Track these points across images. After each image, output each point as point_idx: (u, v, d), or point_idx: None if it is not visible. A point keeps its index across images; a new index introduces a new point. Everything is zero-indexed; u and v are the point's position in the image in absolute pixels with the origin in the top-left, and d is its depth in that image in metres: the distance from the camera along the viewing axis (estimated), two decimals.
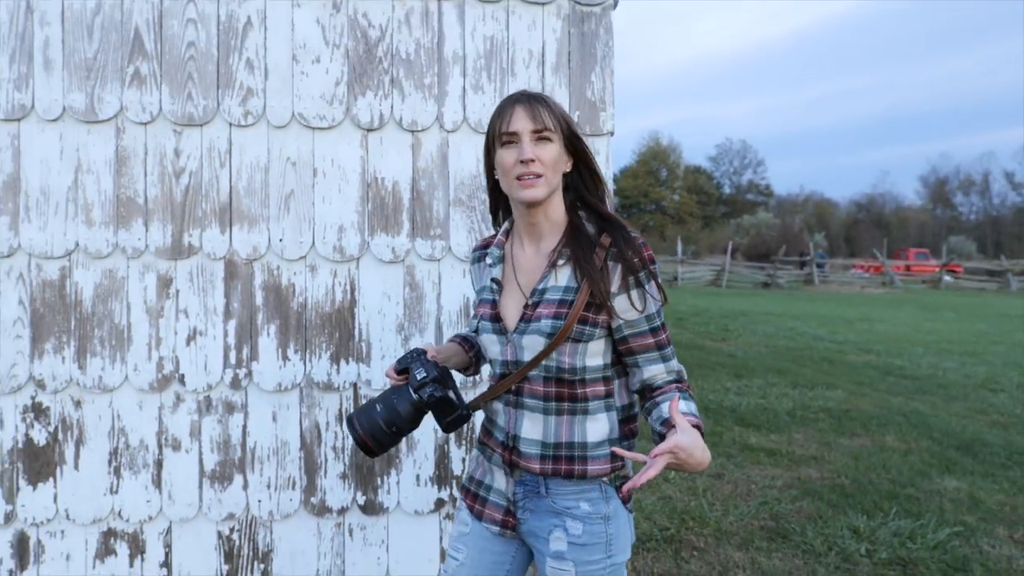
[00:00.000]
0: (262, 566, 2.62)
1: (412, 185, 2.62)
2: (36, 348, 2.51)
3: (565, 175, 1.68)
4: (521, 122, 1.60)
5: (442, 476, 2.67)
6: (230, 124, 2.56)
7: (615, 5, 2.70)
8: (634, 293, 1.59)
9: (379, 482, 2.65)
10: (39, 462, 2.53)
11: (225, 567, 2.61)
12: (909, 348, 11.62)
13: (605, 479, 1.64)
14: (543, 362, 1.61)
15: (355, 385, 2.63)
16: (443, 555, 2.67)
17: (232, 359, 2.58)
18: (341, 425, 2.62)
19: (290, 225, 2.59)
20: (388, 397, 1.72)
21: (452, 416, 1.71)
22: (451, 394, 1.71)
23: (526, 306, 1.65)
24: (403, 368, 1.74)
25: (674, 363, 1.66)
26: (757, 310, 18.10)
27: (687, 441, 1.42)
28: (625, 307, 1.60)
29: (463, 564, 1.78)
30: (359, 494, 2.64)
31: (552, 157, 1.61)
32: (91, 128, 2.52)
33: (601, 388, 1.65)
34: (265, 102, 2.56)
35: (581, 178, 1.70)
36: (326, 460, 2.63)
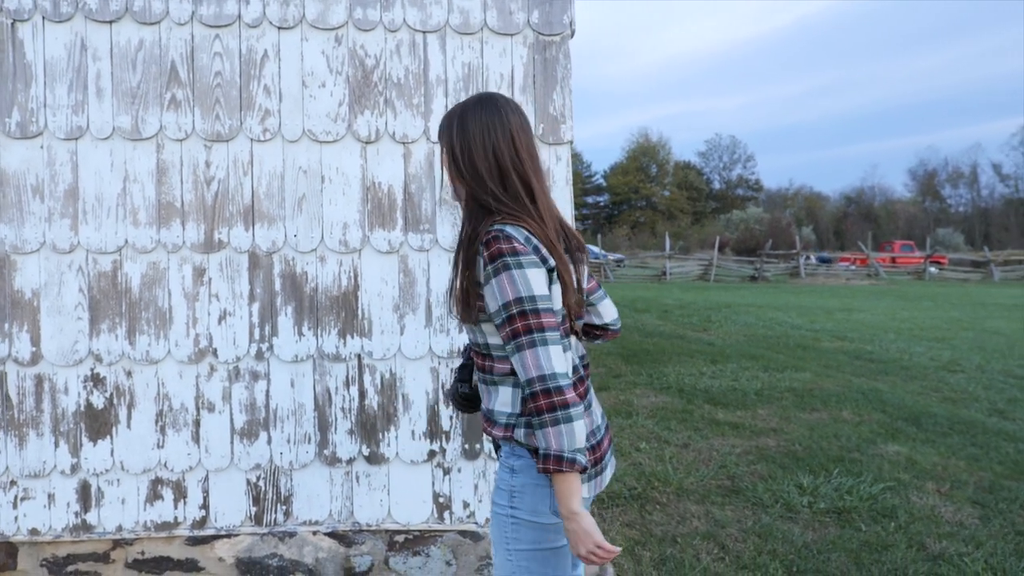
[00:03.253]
0: (284, 507, 3.14)
1: (404, 188, 3.14)
2: (94, 328, 3.03)
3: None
4: None
5: (433, 431, 3.18)
6: (251, 139, 3.08)
7: (572, 35, 3.22)
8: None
9: (381, 436, 3.17)
10: (98, 422, 3.04)
11: (253, 509, 3.12)
12: (881, 335, 12.18)
13: (516, 441, 1.74)
14: (468, 337, 1.83)
15: (359, 356, 3.15)
16: (435, 497, 3.19)
17: (256, 335, 3.10)
18: (349, 389, 3.14)
19: (303, 223, 3.11)
20: (454, 383, 2.03)
21: (475, 410, 2.01)
22: (456, 390, 2.01)
23: None
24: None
25: (529, 372, 1.61)
26: (741, 302, 18.66)
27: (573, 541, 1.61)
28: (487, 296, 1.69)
29: None
30: (364, 447, 3.16)
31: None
32: (136, 145, 3.03)
33: (507, 366, 1.74)
34: (280, 121, 3.08)
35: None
36: (336, 419, 3.15)
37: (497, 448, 1.88)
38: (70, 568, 3.08)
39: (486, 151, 1.74)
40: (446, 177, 1.87)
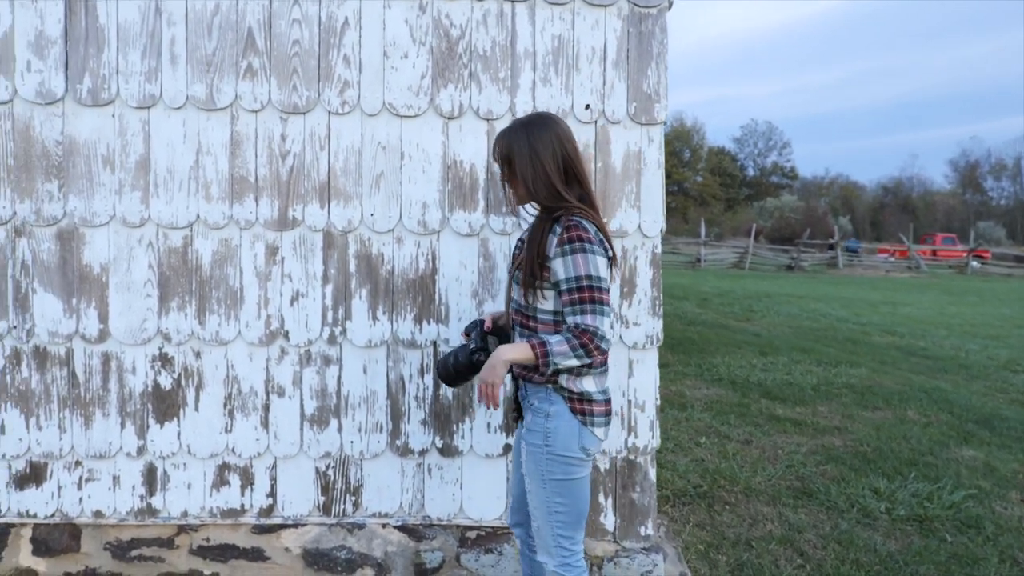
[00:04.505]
0: (353, 498, 3.01)
1: (487, 167, 2.97)
2: (163, 306, 2.90)
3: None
4: None
5: (509, 424, 3.03)
6: (329, 112, 2.92)
7: (670, 6, 3.02)
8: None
9: (455, 428, 3.02)
10: (165, 404, 2.93)
11: (322, 498, 3.00)
12: (932, 330, 11.83)
13: (550, 386, 2.19)
14: (512, 297, 2.30)
15: (435, 343, 3.00)
16: (509, 493, 3.04)
17: (329, 318, 2.96)
18: (423, 378, 2.99)
19: (380, 202, 2.95)
20: (457, 351, 2.38)
21: None
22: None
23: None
24: (468, 331, 2.43)
25: (586, 325, 2.08)
26: (780, 292, 18.31)
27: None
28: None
29: (514, 453, 2.50)
30: (437, 438, 3.02)
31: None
32: (210, 115, 2.89)
33: (550, 328, 2.19)
34: (359, 93, 2.92)
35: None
36: (409, 408, 3.01)
37: (517, 398, 2.37)
38: (134, 552, 2.98)
39: (555, 158, 2.18)
40: (508, 186, 2.28)
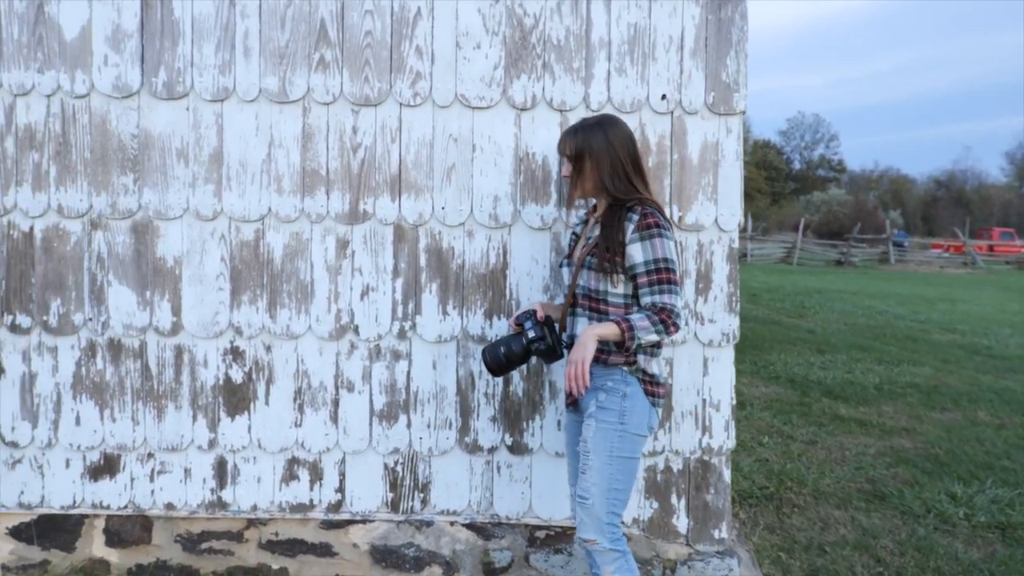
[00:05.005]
0: (421, 495, 2.98)
1: (559, 160, 2.90)
2: (235, 299, 2.90)
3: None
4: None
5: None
6: (400, 104, 2.88)
7: None
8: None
9: (525, 426, 2.97)
10: (236, 397, 2.93)
11: (390, 495, 2.97)
12: (995, 328, 11.44)
13: (624, 368, 2.31)
14: (579, 283, 2.39)
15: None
16: (568, 484, 2.97)
17: (399, 313, 2.92)
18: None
19: (451, 195, 2.90)
20: (508, 340, 2.47)
21: (553, 359, 2.47)
22: (551, 341, 2.43)
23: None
24: (520, 322, 2.46)
25: (665, 303, 2.24)
26: (831, 288, 17.91)
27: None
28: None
29: (566, 444, 2.60)
30: (507, 435, 2.96)
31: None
32: (282, 108, 2.87)
33: (620, 311, 2.32)
34: (431, 84, 2.87)
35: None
36: (479, 405, 2.96)
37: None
38: (204, 545, 2.99)
39: (629, 154, 2.36)
40: (577, 180, 2.39)
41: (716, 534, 3.00)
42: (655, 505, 2.98)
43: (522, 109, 2.89)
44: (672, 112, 2.90)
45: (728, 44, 2.89)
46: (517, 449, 2.97)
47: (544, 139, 2.89)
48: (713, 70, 2.89)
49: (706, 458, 2.99)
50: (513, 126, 2.90)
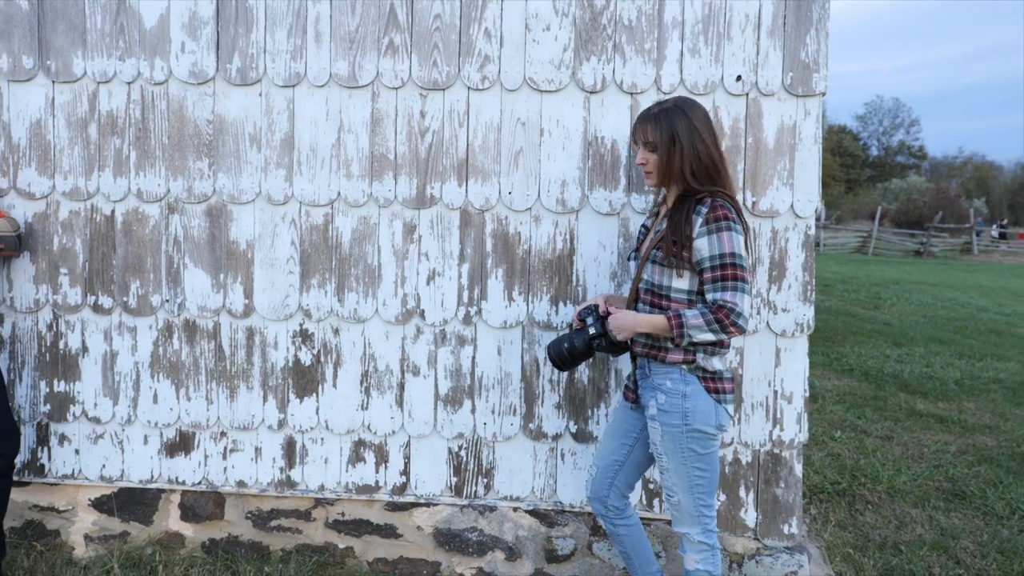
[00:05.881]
0: (485, 480, 2.98)
1: (629, 144, 2.84)
2: (304, 283, 2.94)
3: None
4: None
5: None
6: (468, 88, 2.86)
7: None
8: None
9: (590, 413, 2.93)
10: (305, 379, 2.98)
11: (454, 479, 2.98)
12: None
13: (683, 366, 2.25)
14: (643, 278, 2.33)
15: (571, 325, 2.90)
16: (644, 483, 2.93)
17: (465, 298, 2.92)
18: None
19: (518, 179, 2.87)
20: (571, 336, 2.46)
21: (618, 353, 2.44)
22: (613, 337, 2.35)
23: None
24: (583, 318, 2.45)
25: (727, 303, 2.14)
26: (909, 279, 17.23)
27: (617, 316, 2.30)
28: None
29: (608, 425, 2.57)
30: (571, 423, 2.94)
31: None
32: (352, 93, 2.88)
33: (683, 306, 2.25)
34: (500, 68, 2.84)
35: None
36: (543, 391, 2.94)
37: (635, 377, 2.42)
38: (273, 523, 3.06)
39: (713, 140, 2.25)
40: (658, 167, 2.28)
41: (786, 529, 2.92)
42: (722, 497, 2.91)
43: (591, 92, 2.84)
44: (747, 94, 2.81)
45: (808, 22, 2.77)
46: (582, 437, 2.94)
47: (613, 122, 2.84)
48: (792, 49, 2.78)
49: (777, 451, 2.90)
50: (582, 109, 2.85)
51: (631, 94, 2.83)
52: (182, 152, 2.92)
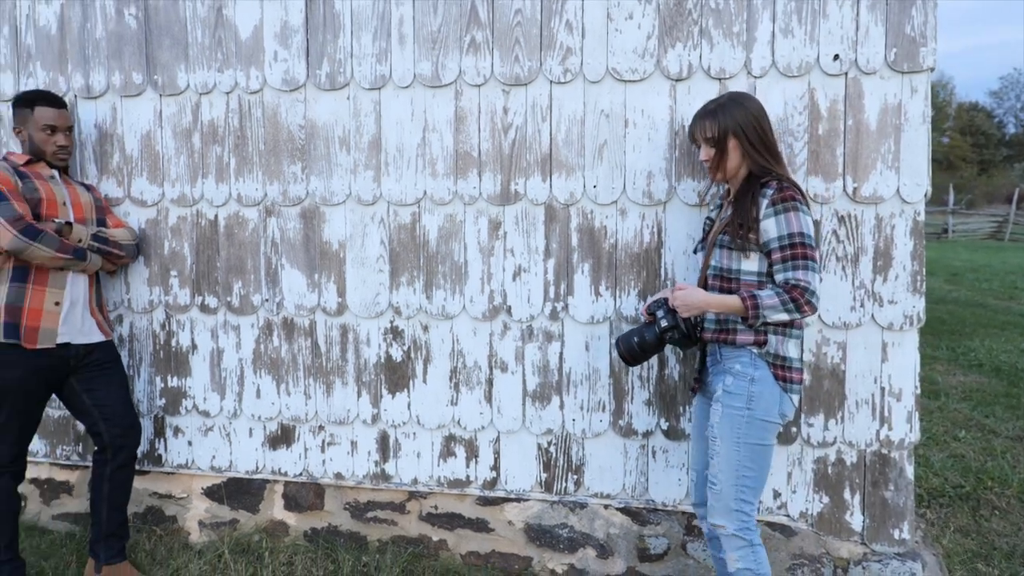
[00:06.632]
0: (575, 477, 2.95)
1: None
2: (394, 281, 3.00)
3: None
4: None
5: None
6: (551, 82, 2.83)
7: None
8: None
9: (681, 410, 2.85)
10: (396, 375, 3.04)
11: (543, 475, 2.97)
12: None
13: (755, 350, 2.23)
14: (711, 263, 2.34)
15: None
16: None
17: (551, 294, 2.90)
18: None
19: (603, 172, 2.83)
20: (641, 330, 2.43)
21: (689, 346, 2.41)
22: (685, 328, 2.35)
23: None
24: (652, 311, 2.42)
25: (799, 281, 2.14)
26: None
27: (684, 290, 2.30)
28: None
29: (692, 426, 2.56)
30: (662, 420, 2.87)
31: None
32: (435, 92, 2.92)
33: (752, 289, 2.22)
34: (582, 59, 2.80)
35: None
36: (633, 388, 2.88)
37: (705, 363, 2.44)
38: (370, 514, 3.14)
39: (768, 129, 2.30)
40: (719, 160, 2.32)
41: (896, 534, 2.74)
42: (825, 499, 2.77)
43: (677, 80, 2.75)
44: (846, 73, 2.65)
45: None
46: (673, 434, 2.86)
47: None
48: (895, 23, 2.60)
49: (885, 451, 2.73)
50: (667, 98, 2.77)
51: (719, 80, 2.72)
52: (277, 157, 3.04)
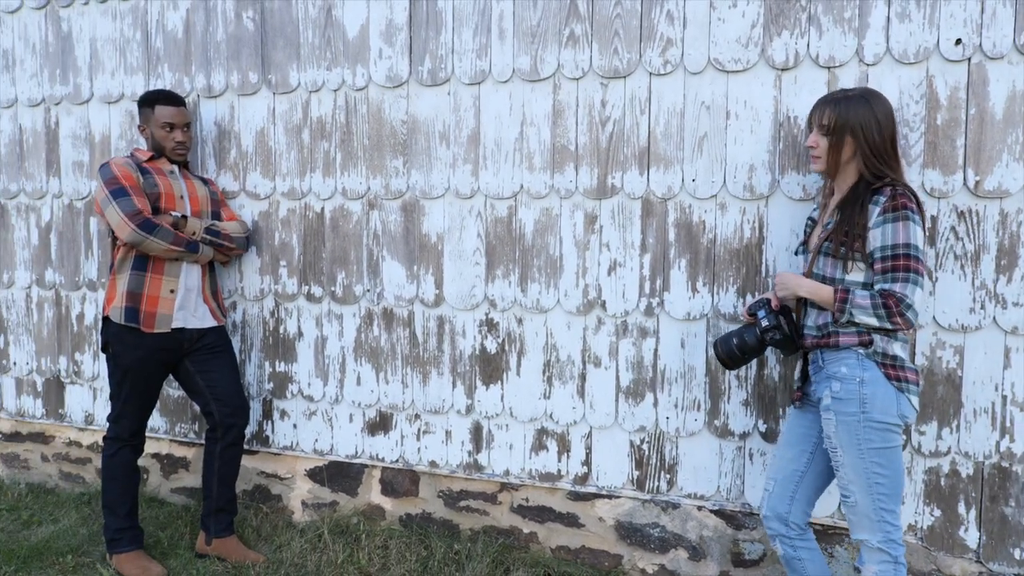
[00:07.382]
0: (668, 476, 2.90)
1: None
2: (489, 273, 3.04)
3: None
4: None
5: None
6: (650, 74, 2.79)
7: None
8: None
9: (780, 412, 2.75)
10: (490, 367, 3.08)
11: (635, 473, 2.94)
12: None
13: (860, 351, 2.11)
14: (814, 272, 2.25)
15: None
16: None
17: (646, 289, 2.86)
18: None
19: (702, 166, 2.76)
20: (741, 332, 2.34)
21: (790, 350, 2.31)
22: (787, 330, 2.26)
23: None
24: (753, 311, 2.32)
25: (896, 292, 2.05)
26: None
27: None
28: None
29: (781, 436, 2.43)
30: (760, 421, 2.78)
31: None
32: (533, 86, 2.93)
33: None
34: (683, 50, 2.75)
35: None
36: (729, 387, 2.80)
37: (806, 371, 2.32)
38: (462, 503, 3.19)
39: (892, 134, 2.17)
40: (830, 154, 2.21)
41: (1017, 554, 2.55)
42: (936, 513, 2.61)
43: (783, 69, 2.66)
44: (969, 58, 2.48)
45: None
46: (771, 437, 2.77)
47: (807, 101, 2.63)
48: None
49: (1005, 464, 2.55)
50: (772, 88, 2.67)
51: (828, 68, 2.61)
52: (380, 152, 3.14)
